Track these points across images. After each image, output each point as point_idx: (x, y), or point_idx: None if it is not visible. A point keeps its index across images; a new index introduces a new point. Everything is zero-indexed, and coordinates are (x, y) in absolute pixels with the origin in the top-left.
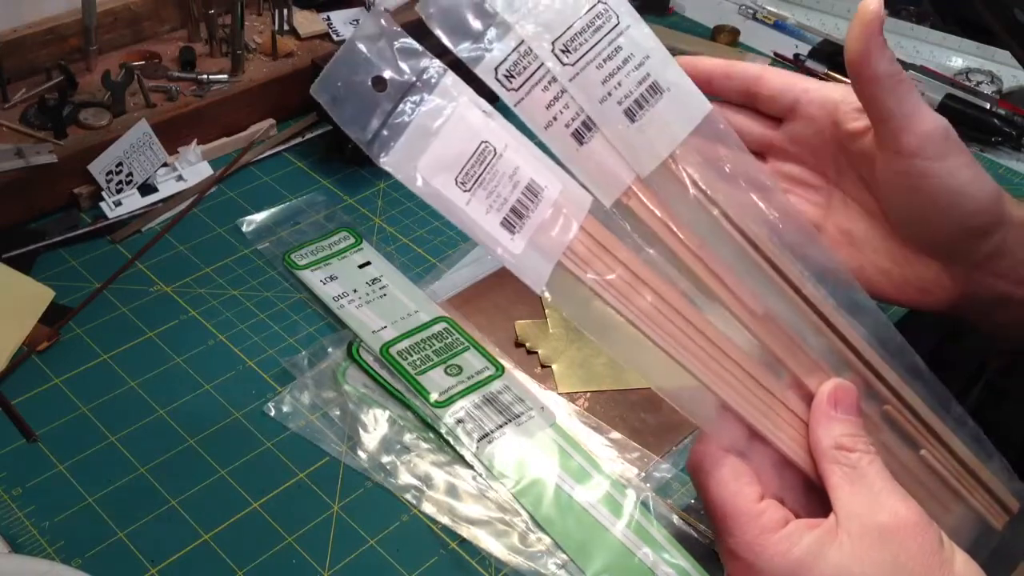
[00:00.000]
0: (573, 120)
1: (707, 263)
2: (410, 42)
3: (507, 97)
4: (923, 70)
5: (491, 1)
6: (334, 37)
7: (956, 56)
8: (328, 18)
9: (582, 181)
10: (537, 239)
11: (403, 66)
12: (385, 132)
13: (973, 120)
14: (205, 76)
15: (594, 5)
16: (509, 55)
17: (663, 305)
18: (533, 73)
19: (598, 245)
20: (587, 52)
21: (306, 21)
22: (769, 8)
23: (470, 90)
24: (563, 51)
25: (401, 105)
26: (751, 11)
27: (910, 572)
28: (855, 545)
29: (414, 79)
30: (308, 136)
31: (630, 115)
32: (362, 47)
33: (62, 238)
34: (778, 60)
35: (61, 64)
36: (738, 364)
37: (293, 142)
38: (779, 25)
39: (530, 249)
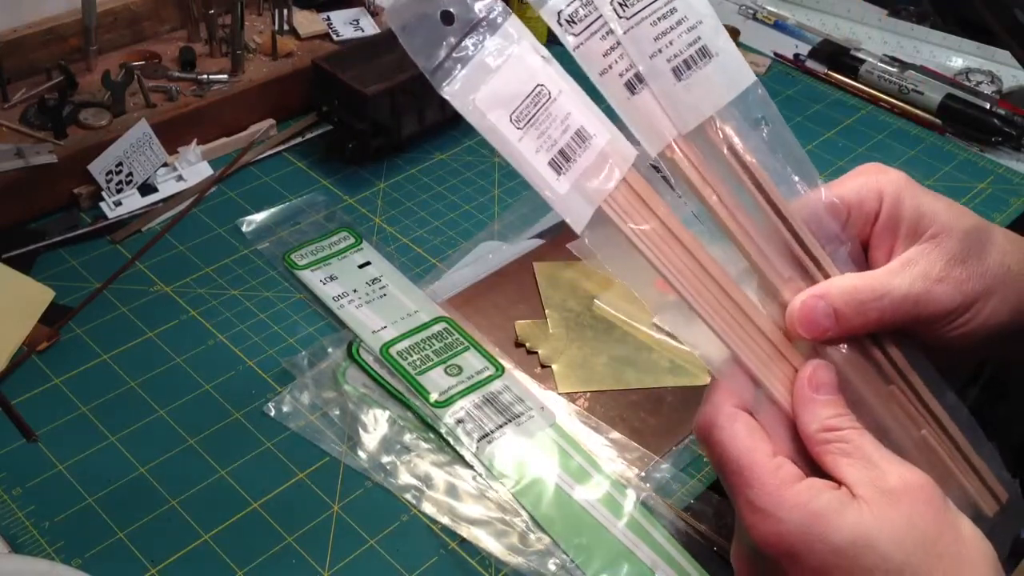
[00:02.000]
0: (626, 71)
1: (740, 222)
2: None
3: (567, 41)
4: (923, 70)
5: None
6: (334, 37)
7: (956, 56)
8: (328, 18)
9: (631, 129)
10: (581, 183)
11: (471, 4)
12: (448, 64)
13: (973, 120)
14: (205, 76)
15: None
16: (572, 3)
17: (692, 263)
18: (592, 22)
19: (637, 197)
20: (643, 8)
21: (306, 21)
22: (769, 8)
23: (531, 35)
24: (621, 4)
25: (465, 40)
26: (751, 11)
27: (923, 532)
28: (872, 508)
29: (479, 18)
30: (308, 136)
31: (677, 73)
32: None
33: (62, 238)
34: (778, 60)
35: (61, 64)
36: (761, 331)
37: (293, 142)
38: (779, 25)
39: (574, 191)
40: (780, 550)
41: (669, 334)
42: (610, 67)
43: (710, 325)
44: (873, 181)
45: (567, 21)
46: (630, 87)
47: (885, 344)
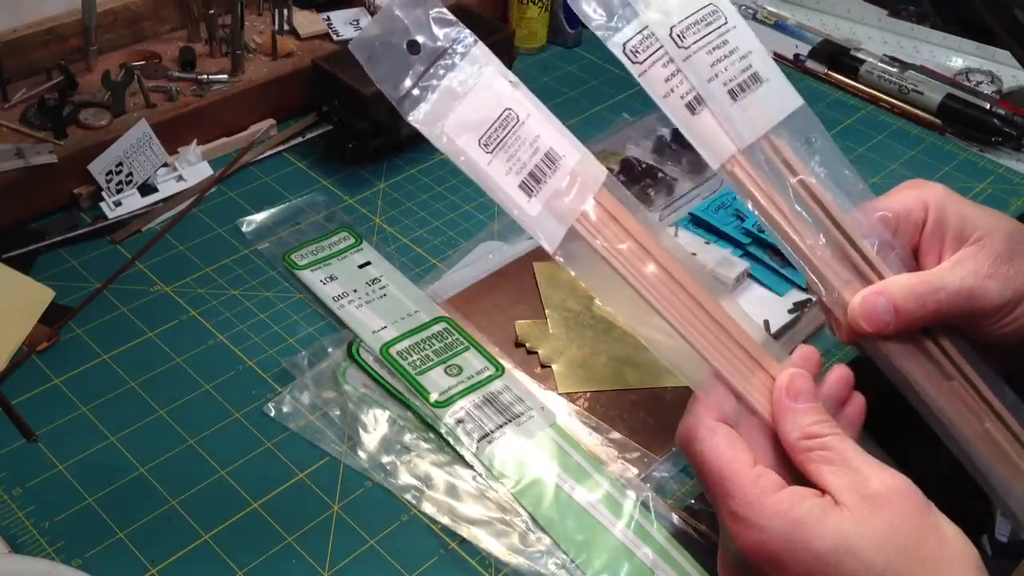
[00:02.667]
0: (687, 94)
1: (799, 229)
2: (445, 12)
3: (632, 69)
4: (923, 70)
5: None
6: (334, 37)
7: (956, 56)
8: (328, 18)
9: (694, 145)
10: (553, 203)
11: (437, 33)
12: (416, 92)
13: (973, 120)
14: (205, 76)
15: (707, 5)
16: (634, 36)
17: (665, 276)
18: (654, 52)
19: (610, 216)
20: (699, 40)
21: (306, 21)
22: (769, 8)
23: (498, 61)
24: (679, 36)
25: (432, 68)
26: (751, 11)
27: (905, 537)
28: (853, 514)
29: (446, 46)
30: (308, 136)
31: (733, 95)
32: (399, 13)
33: (62, 238)
34: (778, 60)
35: (61, 64)
36: (738, 342)
37: (293, 142)
38: (779, 25)
39: (546, 212)
40: (763, 558)
41: None
42: (672, 90)
43: (687, 340)
44: (917, 193)
45: (631, 52)
46: (691, 108)
47: (943, 342)
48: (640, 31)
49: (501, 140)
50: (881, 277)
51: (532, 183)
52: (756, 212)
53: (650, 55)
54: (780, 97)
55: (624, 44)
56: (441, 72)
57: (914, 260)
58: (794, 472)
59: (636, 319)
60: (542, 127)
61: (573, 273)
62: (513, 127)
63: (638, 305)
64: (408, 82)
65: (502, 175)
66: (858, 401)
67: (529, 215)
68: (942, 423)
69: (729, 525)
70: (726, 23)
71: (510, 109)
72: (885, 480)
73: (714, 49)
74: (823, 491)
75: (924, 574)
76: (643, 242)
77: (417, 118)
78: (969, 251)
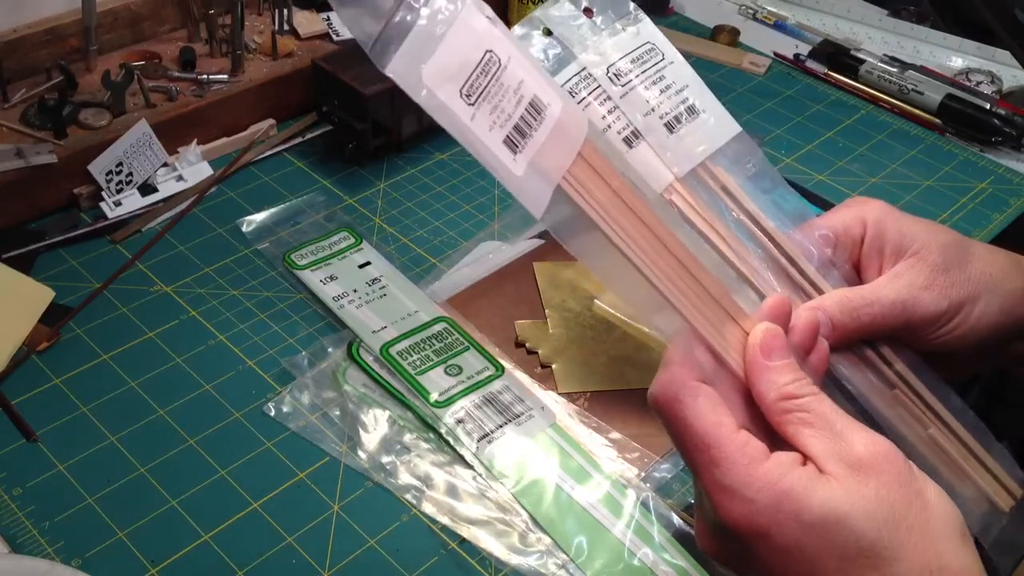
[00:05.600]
0: (624, 128)
1: (738, 251)
2: None
3: None
4: (923, 70)
5: (562, 39)
6: (334, 37)
7: (956, 56)
8: (328, 18)
9: (631, 176)
10: (539, 160)
11: None
12: (388, 34)
13: (973, 120)
14: (205, 76)
15: (644, 43)
16: (572, 77)
17: (648, 234)
18: (592, 91)
19: (593, 171)
20: (635, 77)
21: (306, 21)
22: (769, 8)
23: None
24: (615, 75)
25: (403, 6)
26: (751, 11)
27: (892, 505)
28: (841, 483)
29: None
30: (308, 136)
31: (669, 127)
32: None
33: (62, 238)
34: (778, 60)
35: (61, 64)
36: (714, 298)
37: (293, 142)
38: (779, 25)
39: (531, 171)
40: (750, 529)
41: None
42: (609, 126)
43: (666, 297)
44: (856, 211)
45: (569, 92)
46: (628, 142)
47: (886, 354)
48: (578, 72)
49: (484, 88)
50: (821, 293)
51: (517, 137)
52: (696, 234)
53: (587, 94)
54: (717, 126)
55: (561, 86)
56: (414, 8)
57: (856, 276)
58: (770, 431)
59: (619, 280)
60: (525, 71)
61: (556, 235)
62: (496, 72)
63: (622, 265)
64: (379, 23)
65: (486, 130)
66: (822, 349)
67: (515, 175)
68: (885, 430)
69: (713, 494)
70: (663, 59)
71: (491, 51)
72: (868, 445)
73: (651, 84)
74: (803, 455)
75: (911, 542)
76: (626, 198)
77: (393, 67)
78: (906, 264)
